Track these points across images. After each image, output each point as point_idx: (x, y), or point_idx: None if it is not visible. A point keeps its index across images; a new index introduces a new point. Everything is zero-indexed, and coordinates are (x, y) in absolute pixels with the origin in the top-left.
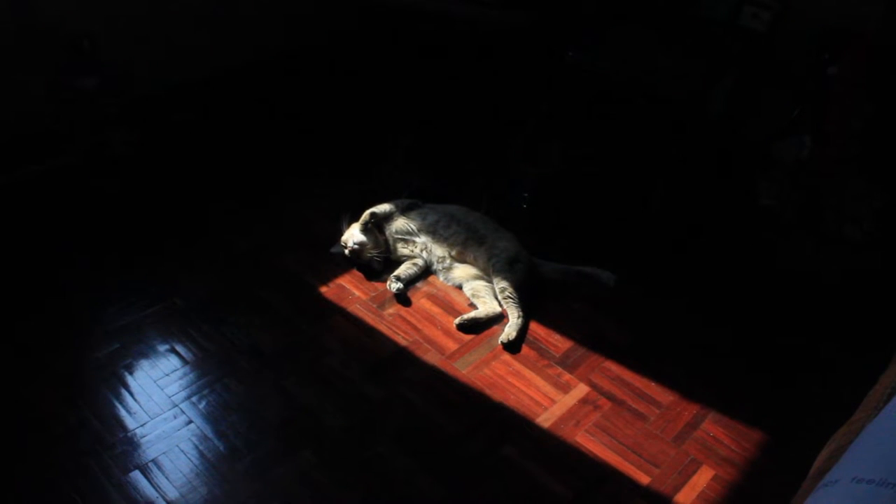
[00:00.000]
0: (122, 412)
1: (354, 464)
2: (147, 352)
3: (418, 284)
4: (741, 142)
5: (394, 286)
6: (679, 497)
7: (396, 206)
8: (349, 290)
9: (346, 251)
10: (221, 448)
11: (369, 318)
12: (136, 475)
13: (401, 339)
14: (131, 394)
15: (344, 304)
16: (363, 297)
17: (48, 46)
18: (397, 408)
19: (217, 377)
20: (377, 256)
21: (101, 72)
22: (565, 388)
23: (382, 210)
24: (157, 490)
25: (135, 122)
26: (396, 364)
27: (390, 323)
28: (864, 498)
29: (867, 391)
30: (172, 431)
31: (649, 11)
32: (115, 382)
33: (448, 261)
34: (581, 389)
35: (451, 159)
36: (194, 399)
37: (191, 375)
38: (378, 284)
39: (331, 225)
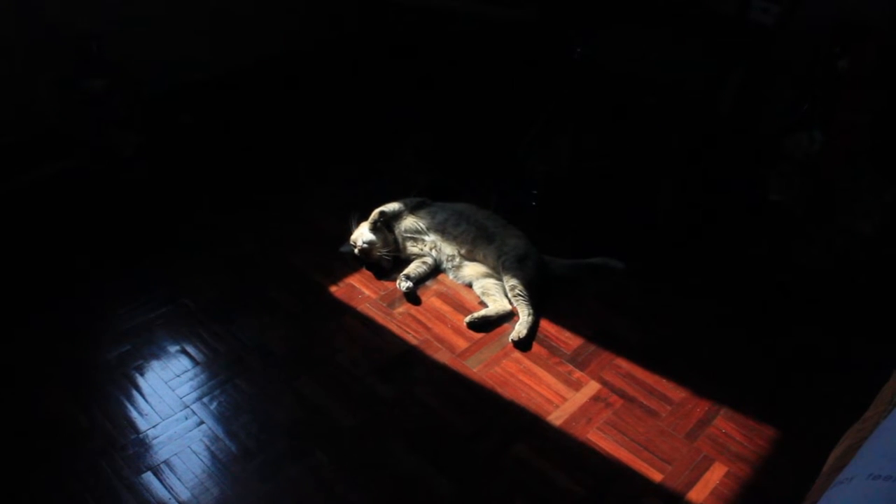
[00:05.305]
0: (134, 413)
1: (366, 463)
2: (157, 353)
3: (428, 283)
4: (751, 137)
5: (403, 285)
6: (692, 494)
7: (405, 205)
8: (359, 290)
9: (356, 250)
10: (233, 449)
11: (379, 317)
12: (148, 476)
13: (411, 338)
14: (142, 395)
15: (354, 303)
16: (373, 296)
17: (56, 48)
18: (408, 407)
19: (228, 377)
20: (386, 255)
21: (109, 73)
22: (576, 386)
23: (391, 209)
24: (169, 491)
25: (142, 124)
26: (407, 363)
27: (400, 322)
28: (880, 495)
29: (880, 387)
30: (184, 432)
31: (656, 6)
32: (125, 384)
33: (458, 259)
34: (592, 387)
35: (460, 157)
36: (205, 400)
37: (201, 376)
38: (388, 283)
39: (339, 224)
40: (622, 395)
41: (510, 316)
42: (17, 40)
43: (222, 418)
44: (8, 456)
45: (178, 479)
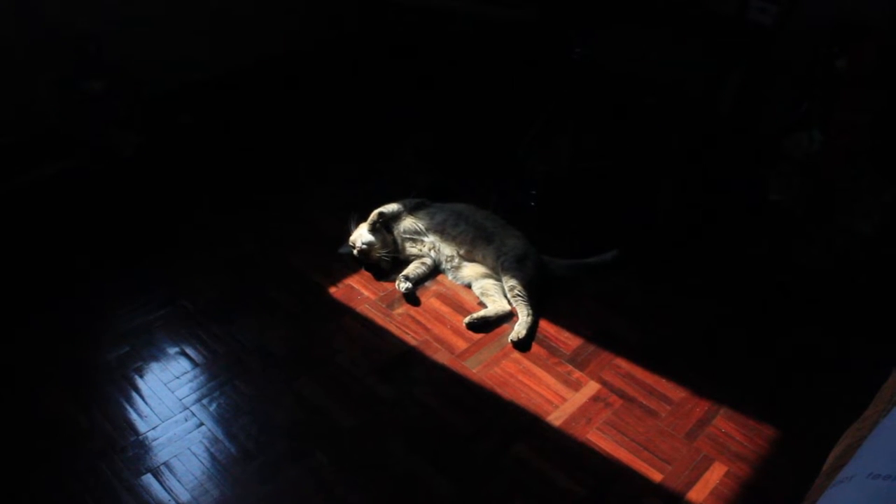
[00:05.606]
0: (133, 415)
1: (365, 464)
2: (157, 354)
3: (427, 284)
4: (751, 137)
5: (403, 286)
6: (692, 494)
7: (404, 206)
8: (358, 291)
9: (355, 251)
10: (232, 450)
11: (379, 318)
12: (148, 478)
13: (410, 339)
14: (142, 397)
15: (353, 304)
16: (372, 297)
17: (56, 48)
18: (408, 407)
19: (227, 379)
20: (386, 256)
21: (109, 74)
22: (576, 386)
23: (390, 210)
24: (168, 493)
25: (142, 124)
26: (406, 364)
27: (400, 323)
28: (880, 494)
29: (879, 387)
30: (183, 434)
31: (656, 6)
32: (125, 386)
33: (457, 259)
34: (592, 387)
35: (460, 157)
36: (205, 401)
37: (201, 378)
38: (387, 284)
39: (339, 225)
40: (622, 395)
41: (509, 316)
42: (17, 40)
43: (222, 420)
44: (8, 456)
45: (178, 480)
